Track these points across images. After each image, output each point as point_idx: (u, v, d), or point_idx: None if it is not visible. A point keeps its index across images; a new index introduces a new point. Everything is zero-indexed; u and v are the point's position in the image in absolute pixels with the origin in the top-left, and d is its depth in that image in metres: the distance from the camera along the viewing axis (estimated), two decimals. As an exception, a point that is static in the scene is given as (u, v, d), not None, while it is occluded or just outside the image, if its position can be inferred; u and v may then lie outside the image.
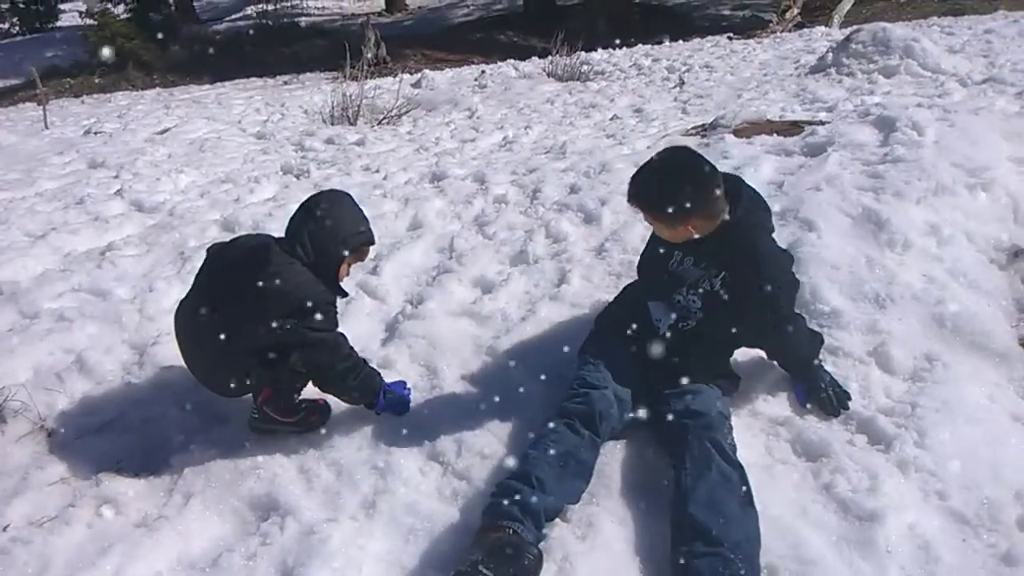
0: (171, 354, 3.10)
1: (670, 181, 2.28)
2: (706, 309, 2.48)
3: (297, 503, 2.29)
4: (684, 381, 2.42)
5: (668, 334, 2.52)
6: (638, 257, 2.85)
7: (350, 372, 2.52)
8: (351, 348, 2.56)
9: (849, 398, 2.55)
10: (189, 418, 2.74)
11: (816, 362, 2.60)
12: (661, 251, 2.56)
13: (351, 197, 2.62)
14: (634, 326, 2.56)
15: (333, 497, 2.32)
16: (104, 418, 2.80)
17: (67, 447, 2.66)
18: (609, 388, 2.40)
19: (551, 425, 2.30)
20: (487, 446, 2.47)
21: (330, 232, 2.47)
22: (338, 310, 2.57)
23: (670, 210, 2.26)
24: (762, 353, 2.68)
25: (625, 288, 2.88)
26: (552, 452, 2.19)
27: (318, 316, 2.41)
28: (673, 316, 2.52)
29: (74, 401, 2.89)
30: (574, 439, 2.24)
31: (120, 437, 2.70)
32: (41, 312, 3.50)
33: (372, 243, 2.61)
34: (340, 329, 2.56)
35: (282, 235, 2.54)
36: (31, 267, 4.14)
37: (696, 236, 2.35)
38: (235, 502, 2.35)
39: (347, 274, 2.60)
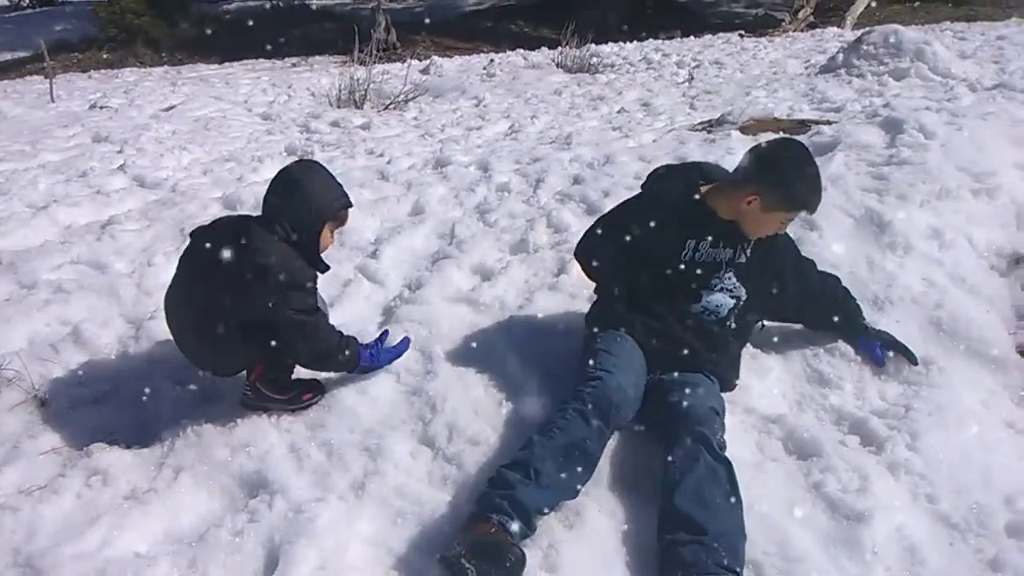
0: (167, 329, 3.11)
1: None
2: (745, 283, 2.55)
3: (286, 481, 2.28)
4: (690, 372, 2.44)
5: (731, 324, 2.57)
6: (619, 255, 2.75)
7: (329, 353, 2.52)
8: (330, 327, 2.54)
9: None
10: (182, 393, 2.73)
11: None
12: (674, 242, 2.51)
13: (321, 165, 2.59)
14: (655, 317, 2.52)
15: (323, 477, 2.31)
16: (98, 390, 2.80)
17: (60, 418, 2.66)
18: (626, 376, 2.34)
19: (562, 410, 2.25)
20: (479, 433, 2.46)
21: (306, 204, 2.43)
22: (318, 288, 2.55)
23: None
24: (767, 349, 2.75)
25: (614, 280, 2.70)
26: (557, 442, 2.15)
27: (299, 295, 2.40)
28: (730, 302, 2.54)
29: (68, 372, 2.89)
30: (582, 428, 2.18)
31: (113, 410, 2.71)
32: (39, 283, 3.50)
33: (350, 206, 2.57)
34: (326, 306, 2.57)
35: (259, 213, 2.51)
36: (31, 238, 4.15)
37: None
38: (225, 478, 2.35)
39: (331, 241, 2.57)
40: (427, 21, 17.40)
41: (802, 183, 2.40)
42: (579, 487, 2.15)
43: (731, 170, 2.59)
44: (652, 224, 2.51)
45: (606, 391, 2.25)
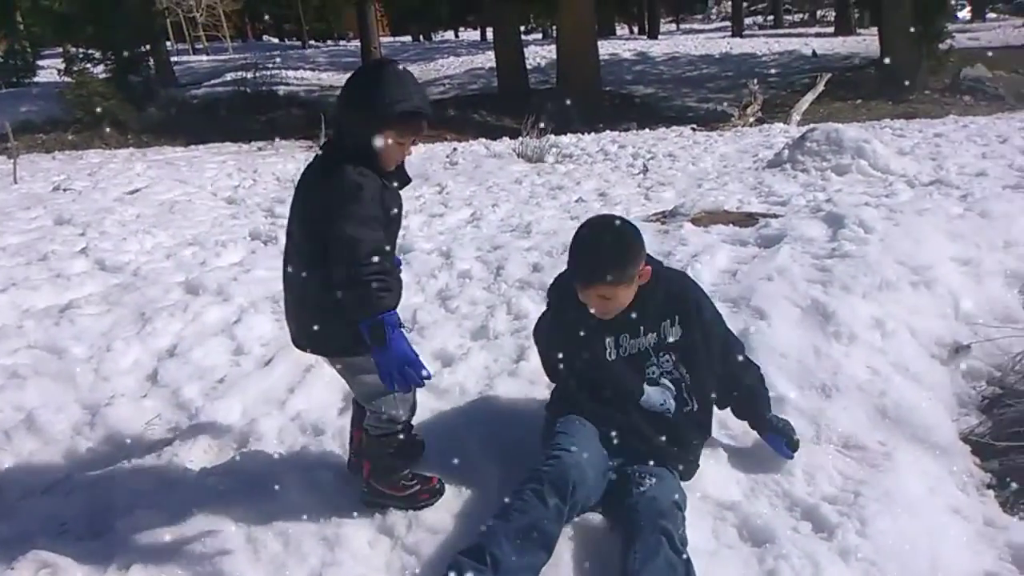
0: (124, 415, 3.09)
1: (622, 243, 2.40)
2: (687, 362, 2.57)
3: (242, 574, 2.25)
4: (651, 463, 2.44)
5: (689, 407, 2.56)
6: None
7: (357, 283, 2.10)
8: (376, 259, 2.12)
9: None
10: (138, 481, 2.69)
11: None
12: (595, 345, 2.52)
13: (396, 65, 2.23)
14: (610, 408, 2.52)
15: (279, 568, 2.28)
16: (50, 479, 2.75)
17: (10, 507, 2.60)
18: (584, 455, 2.35)
19: (519, 491, 2.27)
20: (439, 521, 2.46)
21: (359, 107, 2.17)
22: (391, 202, 2.28)
23: (632, 270, 2.38)
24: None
25: (559, 387, 2.73)
26: (514, 524, 2.16)
27: (355, 204, 2.10)
28: (671, 397, 2.54)
29: (21, 460, 2.85)
30: (540, 509, 2.19)
31: (66, 499, 2.65)
32: (-7, 368, 3.46)
33: (417, 113, 2.19)
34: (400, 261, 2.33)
35: None
36: (-13, 322, 4.10)
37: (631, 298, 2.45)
38: (178, 571, 2.30)
39: (402, 155, 2.28)
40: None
41: (574, 258, 2.44)
42: (538, 567, 2.17)
43: None
44: (567, 336, 2.55)
45: (563, 468, 2.27)
